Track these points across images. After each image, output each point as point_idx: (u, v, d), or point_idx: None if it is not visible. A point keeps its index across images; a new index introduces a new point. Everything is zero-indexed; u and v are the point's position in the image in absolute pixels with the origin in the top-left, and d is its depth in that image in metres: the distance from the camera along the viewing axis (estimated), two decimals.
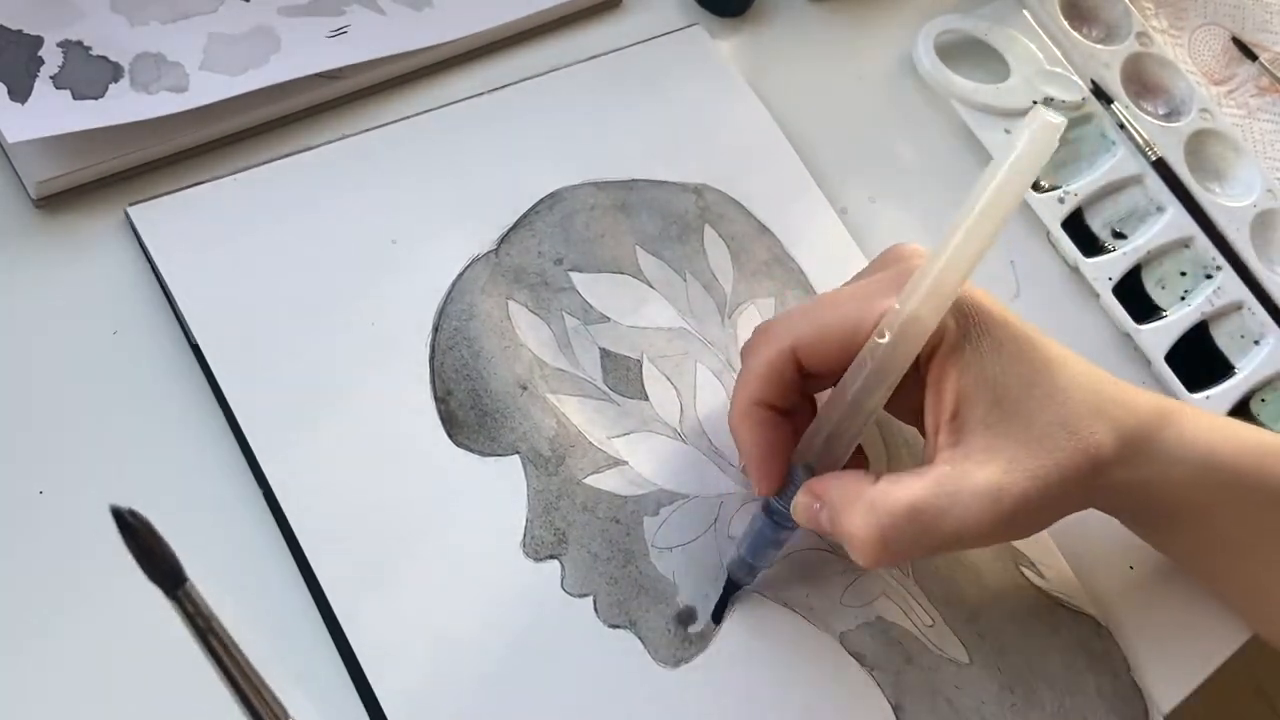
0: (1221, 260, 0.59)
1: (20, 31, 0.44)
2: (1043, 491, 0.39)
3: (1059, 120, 0.38)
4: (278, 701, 0.32)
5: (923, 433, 0.41)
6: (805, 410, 0.42)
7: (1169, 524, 0.45)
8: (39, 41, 0.44)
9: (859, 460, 0.43)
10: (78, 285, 0.43)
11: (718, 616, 0.43)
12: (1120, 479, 0.41)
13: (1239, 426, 0.45)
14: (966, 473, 0.38)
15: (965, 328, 0.40)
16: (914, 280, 0.38)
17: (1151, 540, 0.48)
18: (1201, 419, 0.43)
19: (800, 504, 0.40)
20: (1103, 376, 0.42)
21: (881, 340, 0.38)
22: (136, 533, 0.31)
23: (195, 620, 0.31)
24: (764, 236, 0.52)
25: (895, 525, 0.37)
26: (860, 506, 0.38)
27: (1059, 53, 0.63)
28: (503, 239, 0.48)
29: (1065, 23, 0.64)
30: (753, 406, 0.41)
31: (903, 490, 0.38)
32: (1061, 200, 0.59)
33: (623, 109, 0.53)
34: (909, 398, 0.41)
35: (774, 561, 0.43)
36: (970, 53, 0.62)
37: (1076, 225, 0.59)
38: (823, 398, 0.42)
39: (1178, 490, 0.42)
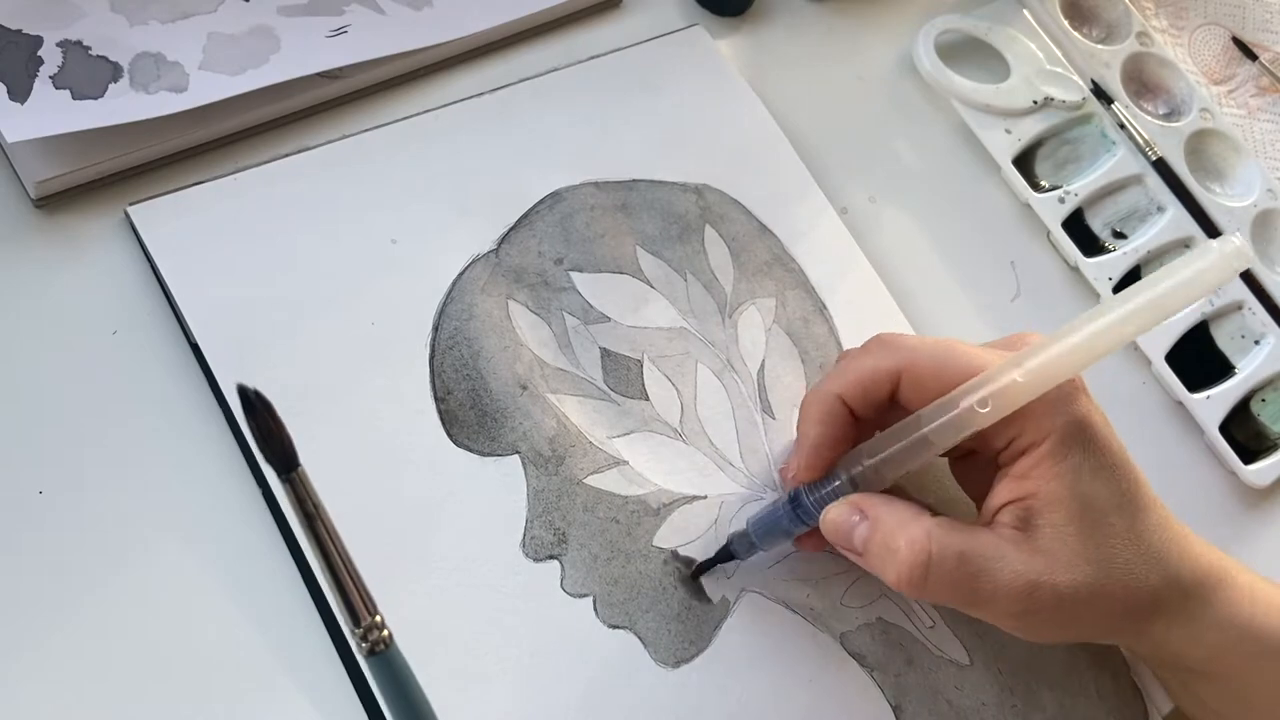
0: None
1: (20, 31, 0.44)
2: (1073, 603, 0.39)
3: (1248, 251, 0.38)
4: (369, 593, 0.33)
5: (975, 500, 0.43)
6: (868, 430, 0.43)
7: (1194, 682, 0.45)
8: (39, 41, 0.44)
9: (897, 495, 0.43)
10: (78, 285, 0.43)
11: (697, 574, 0.44)
12: (1158, 631, 0.42)
13: None
14: (1016, 554, 0.39)
15: (1075, 438, 0.40)
16: (1028, 350, 0.39)
17: (1172, 692, 0.48)
18: (1255, 586, 0.43)
19: (838, 514, 0.41)
20: (1180, 527, 0.42)
21: (978, 404, 0.38)
22: (258, 413, 0.31)
23: (304, 505, 0.32)
24: (764, 236, 0.52)
25: (943, 561, 0.39)
26: (916, 531, 0.39)
27: (1059, 53, 0.63)
28: (503, 239, 0.48)
29: (1065, 22, 0.64)
30: (834, 397, 0.42)
31: (959, 535, 0.39)
32: (1062, 200, 0.59)
33: (623, 109, 0.53)
34: (976, 469, 0.42)
35: (772, 549, 0.44)
36: (970, 53, 0.62)
37: (1077, 225, 0.59)
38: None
39: (1212, 653, 0.43)
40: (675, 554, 0.44)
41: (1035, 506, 0.40)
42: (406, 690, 0.34)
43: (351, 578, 0.33)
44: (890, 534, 0.39)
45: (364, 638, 0.33)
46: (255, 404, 0.31)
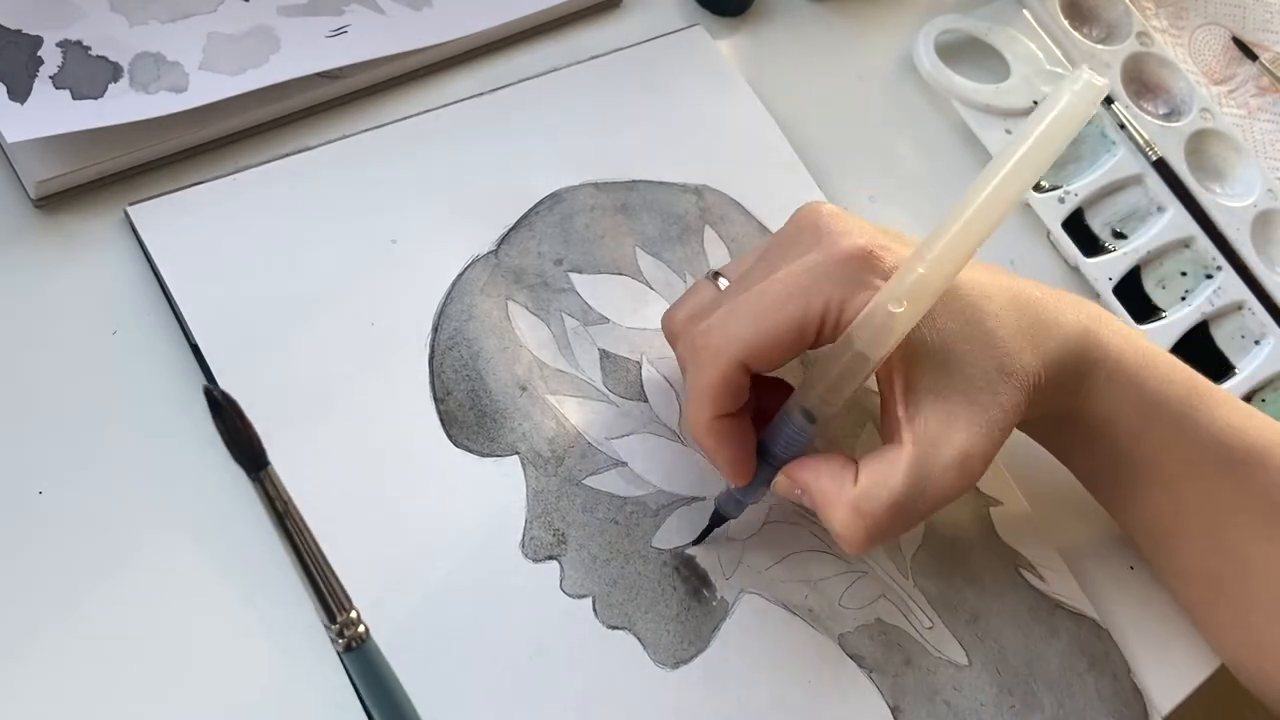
0: (1222, 260, 0.59)
1: (20, 31, 0.44)
2: (998, 439, 0.41)
3: (1101, 82, 0.37)
4: (343, 588, 0.33)
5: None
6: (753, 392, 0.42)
7: (1086, 444, 0.47)
8: (38, 41, 0.44)
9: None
10: (78, 285, 0.43)
11: (698, 540, 0.44)
12: (1046, 402, 0.43)
13: (1159, 355, 0.46)
14: (932, 450, 0.39)
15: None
16: (924, 242, 0.38)
17: (1066, 459, 0.49)
18: (1126, 345, 0.45)
19: (783, 488, 0.42)
20: (1025, 300, 0.43)
21: (898, 310, 0.38)
22: (225, 414, 0.32)
23: (274, 503, 0.32)
24: (764, 237, 0.52)
25: (879, 522, 0.39)
26: (845, 507, 0.39)
27: (1059, 53, 0.63)
28: (502, 239, 0.48)
29: (1065, 22, 0.64)
30: (713, 421, 0.41)
31: (883, 489, 0.39)
32: (1062, 200, 0.59)
33: (623, 109, 0.53)
34: None
35: (760, 499, 0.44)
36: (970, 53, 0.62)
37: (1077, 225, 0.59)
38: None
39: (1099, 413, 0.44)
40: (682, 559, 0.44)
41: (908, 382, 0.40)
42: (385, 685, 0.34)
43: (325, 574, 0.33)
44: (824, 513, 0.40)
45: (339, 634, 0.33)
46: (222, 404, 0.32)
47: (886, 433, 0.41)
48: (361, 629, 0.33)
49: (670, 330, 0.44)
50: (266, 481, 0.32)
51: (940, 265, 0.38)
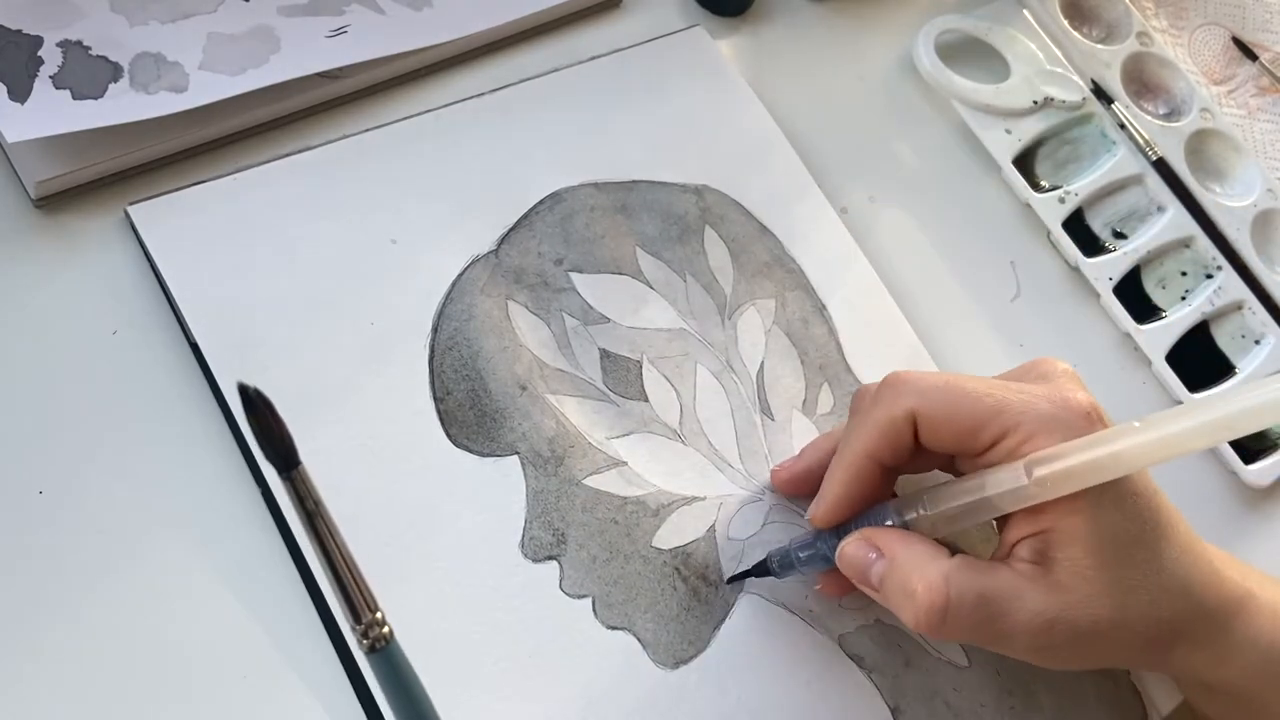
0: (1222, 260, 0.59)
1: (20, 31, 0.44)
2: (1093, 637, 0.39)
3: None
4: (370, 591, 0.33)
5: (998, 526, 0.42)
6: (892, 475, 0.42)
7: (1220, 700, 0.45)
8: (39, 41, 0.44)
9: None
10: (78, 285, 0.43)
11: (732, 580, 0.44)
12: (1179, 655, 0.41)
13: None
14: (1035, 592, 0.38)
15: None
16: (1099, 437, 0.38)
17: (1194, 704, 0.47)
18: (1279, 604, 0.43)
19: (854, 549, 0.40)
20: (1202, 549, 0.41)
21: (1042, 473, 0.38)
22: (259, 411, 0.32)
23: (305, 503, 0.32)
24: (764, 237, 0.52)
25: (961, 604, 0.38)
26: (933, 574, 0.38)
27: (1059, 52, 0.63)
28: (503, 239, 0.48)
29: (1065, 22, 0.64)
30: (863, 459, 0.41)
31: (976, 576, 0.38)
32: (1062, 200, 0.59)
33: (623, 110, 0.53)
34: None
35: (811, 570, 0.43)
36: (970, 53, 0.62)
37: (1077, 225, 0.59)
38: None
39: (1232, 674, 0.42)
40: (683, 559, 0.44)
41: (1053, 541, 0.39)
42: (408, 687, 0.34)
43: (352, 575, 0.33)
44: (907, 576, 0.39)
45: (364, 635, 0.33)
46: (256, 402, 0.32)
47: (996, 559, 0.40)
48: (386, 630, 0.33)
49: (859, 399, 0.43)
50: (298, 480, 0.32)
51: (1109, 461, 0.37)
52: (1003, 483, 0.38)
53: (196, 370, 0.42)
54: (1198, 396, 0.56)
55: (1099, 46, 0.64)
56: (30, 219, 0.44)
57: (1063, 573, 0.38)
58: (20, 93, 0.43)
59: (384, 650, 0.33)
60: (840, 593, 0.44)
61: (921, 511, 0.40)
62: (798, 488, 0.45)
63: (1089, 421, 0.39)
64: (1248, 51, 0.67)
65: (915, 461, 0.42)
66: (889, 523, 0.41)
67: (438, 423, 0.43)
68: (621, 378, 0.46)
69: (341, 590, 0.33)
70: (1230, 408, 0.36)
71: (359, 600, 0.33)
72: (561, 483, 0.44)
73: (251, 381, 0.41)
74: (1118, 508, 0.39)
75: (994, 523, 0.43)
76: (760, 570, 0.44)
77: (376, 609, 0.33)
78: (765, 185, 0.53)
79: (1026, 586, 0.38)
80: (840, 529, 0.42)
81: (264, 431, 0.32)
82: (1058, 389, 0.40)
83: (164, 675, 0.38)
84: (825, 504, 0.42)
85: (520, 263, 0.47)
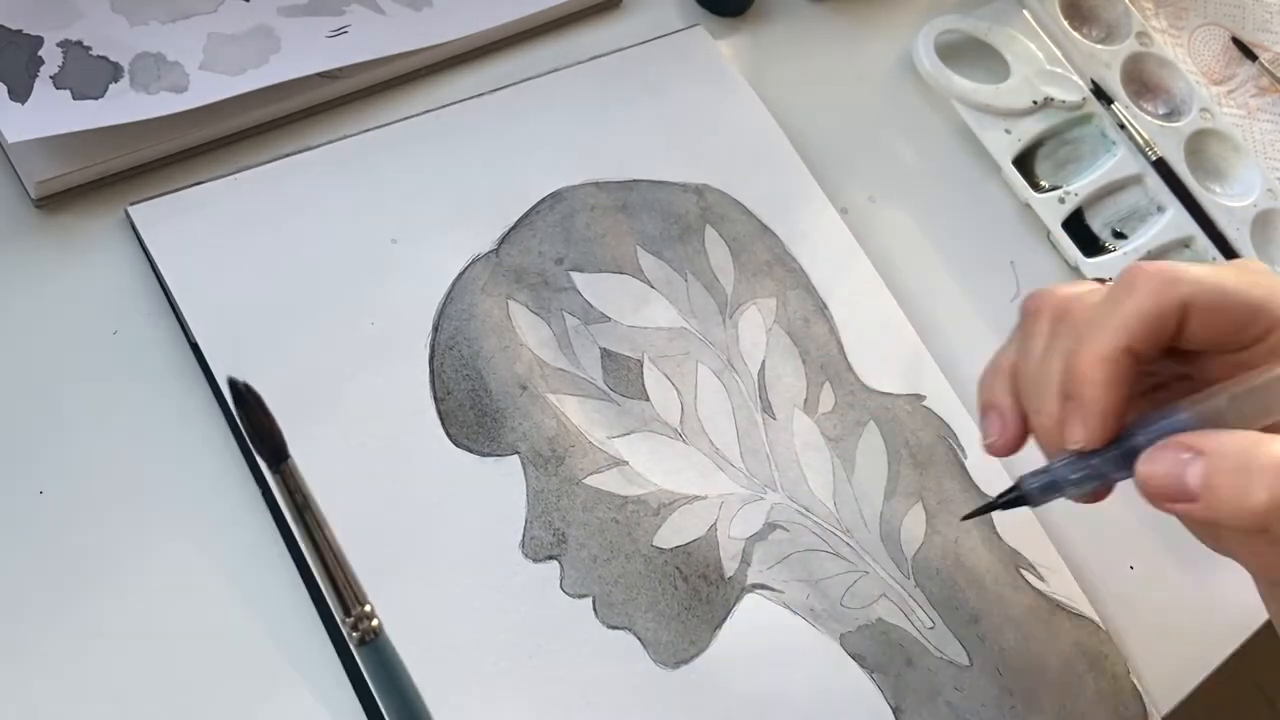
0: (1222, 260, 0.59)
1: (20, 31, 0.44)
2: None
3: None
4: (359, 584, 0.33)
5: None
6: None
7: None
8: (39, 41, 0.44)
9: None
10: (78, 285, 0.43)
11: (971, 515, 0.41)
12: None
13: None
14: None
15: None
16: None
17: None
18: None
19: (1164, 458, 0.35)
20: None
21: None
22: (249, 406, 0.32)
23: (294, 496, 0.32)
24: (765, 237, 0.52)
25: None
26: (1275, 445, 0.33)
27: (1059, 53, 0.63)
28: (503, 239, 0.48)
29: (1065, 23, 0.64)
30: (1123, 352, 0.35)
31: None
32: (1062, 200, 0.59)
33: (623, 109, 0.53)
34: (1207, 368, 0.38)
35: (1082, 493, 0.38)
36: (970, 53, 0.62)
37: (1077, 225, 0.59)
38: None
39: None
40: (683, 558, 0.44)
41: None
42: (397, 680, 0.34)
43: (342, 568, 0.33)
44: (1244, 454, 0.33)
45: (354, 627, 0.33)
46: (246, 397, 0.32)
47: None
48: (375, 623, 0.33)
49: (1041, 300, 0.39)
50: (287, 474, 0.32)
51: None
52: None
53: (196, 370, 0.42)
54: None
55: (1099, 46, 0.64)
56: (30, 219, 0.44)
57: None
58: (20, 93, 0.43)
59: (373, 643, 0.33)
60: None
61: (1225, 397, 0.35)
62: (1020, 439, 0.39)
63: None
64: (1247, 51, 0.67)
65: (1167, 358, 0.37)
66: (1181, 416, 0.35)
67: (438, 422, 0.43)
68: (622, 377, 0.46)
69: (331, 583, 0.33)
70: None
71: (348, 593, 0.33)
72: (562, 482, 0.44)
73: (252, 381, 0.41)
74: None
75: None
76: (1012, 503, 0.38)
77: (365, 602, 0.33)
78: (766, 185, 0.53)
79: None
80: (1125, 448, 0.36)
81: (254, 425, 0.32)
82: None
83: (165, 674, 0.38)
84: (1094, 418, 0.36)
85: (521, 262, 0.47)
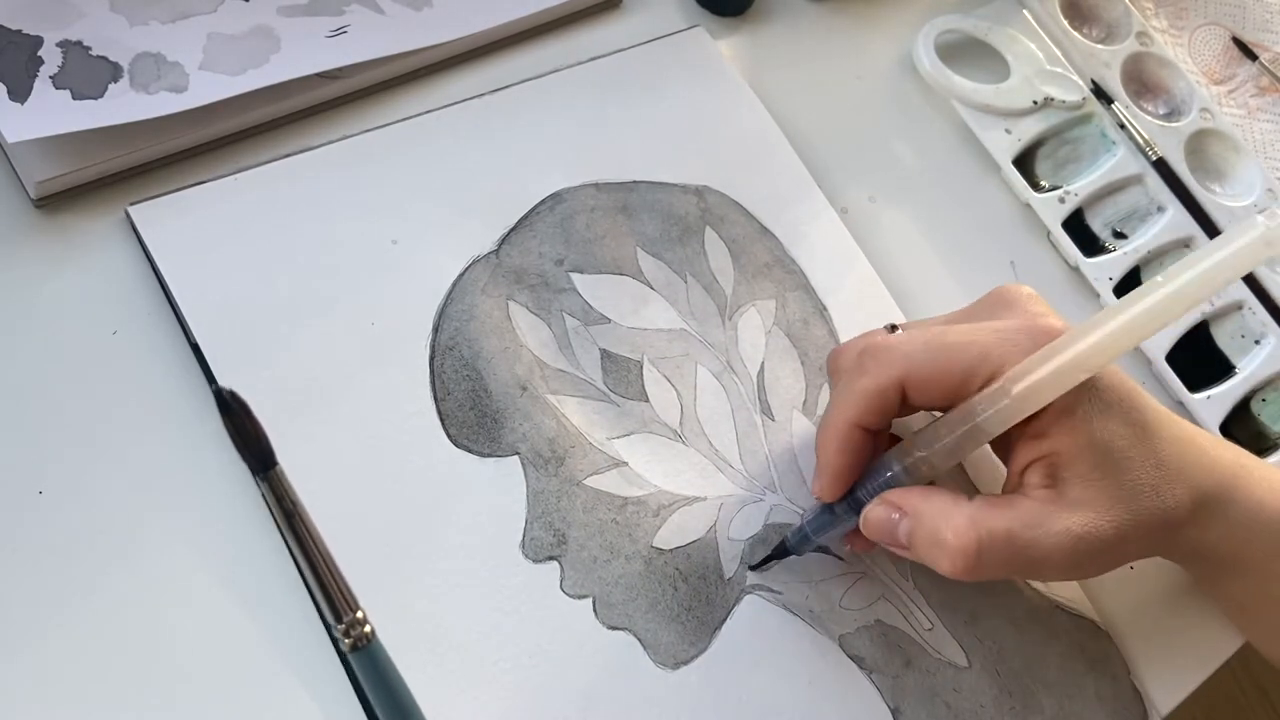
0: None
1: (20, 31, 0.44)
2: (1117, 541, 0.41)
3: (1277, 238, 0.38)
4: (350, 590, 0.33)
5: (1003, 459, 0.43)
6: (883, 437, 0.44)
7: (1227, 577, 0.46)
8: (39, 41, 0.44)
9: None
10: (78, 285, 0.43)
11: (756, 567, 0.45)
12: (1190, 536, 0.43)
13: None
14: (1056, 514, 0.40)
15: (1080, 388, 0.41)
16: (1065, 338, 0.40)
17: (1209, 590, 0.49)
18: (1271, 478, 0.45)
19: (876, 514, 0.42)
20: (1190, 435, 0.43)
21: (1016, 389, 0.40)
22: (235, 414, 0.32)
23: (283, 503, 0.33)
24: (765, 238, 0.52)
25: (993, 543, 0.40)
26: (959, 520, 0.40)
27: (1059, 52, 0.63)
28: (503, 240, 0.48)
29: (1065, 22, 0.64)
30: (851, 428, 0.42)
31: (999, 512, 0.40)
32: (1062, 200, 0.59)
33: (623, 110, 0.53)
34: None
35: (827, 539, 0.44)
36: (970, 53, 0.61)
37: (1077, 225, 0.59)
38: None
39: (1239, 547, 0.44)
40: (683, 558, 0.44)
41: (1059, 462, 0.41)
42: (391, 685, 0.34)
43: (332, 574, 0.33)
44: (934, 527, 0.40)
45: (346, 633, 0.33)
46: (231, 404, 0.32)
47: (1009, 490, 0.42)
48: (368, 629, 0.33)
49: (837, 359, 0.45)
50: (275, 481, 0.32)
51: (1081, 359, 0.39)
52: (987, 407, 0.40)
53: (196, 370, 0.42)
54: (1197, 396, 0.56)
55: (1099, 46, 0.64)
56: (30, 219, 0.44)
57: (1074, 489, 0.40)
58: (20, 93, 0.43)
59: (365, 649, 0.33)
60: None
61: (919, 454, 0.41)
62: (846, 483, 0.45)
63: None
64: (1248, 51, 0.67)
65: (904, 410, 0.43)
66: (890, 473, 0.42)
67: (438, 423, 0.43)
68: (622, 378, 0.46)
69: (322, 589, 0.33)
70: (1178, 282, 0.39)
71: (339, 599, 0.33)
72: (562, 483, 0.44)
73: (251, 381, 0.41)
74: (1106, 416, 0.41)
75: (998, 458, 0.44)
76: (781, 552, 0.44)
77: (357, 608, 0.33)
78: (765, 185, 0.53)
79: (1047, 511, 0.40)
80: (851, 497, 0.43)
81: (240, 433, 0.32)
82: (1029, 318, 0.42)
83: (165, 674, 0.38)
84: (826, 478, 0.43)
85: (521, 263, 0.47)
